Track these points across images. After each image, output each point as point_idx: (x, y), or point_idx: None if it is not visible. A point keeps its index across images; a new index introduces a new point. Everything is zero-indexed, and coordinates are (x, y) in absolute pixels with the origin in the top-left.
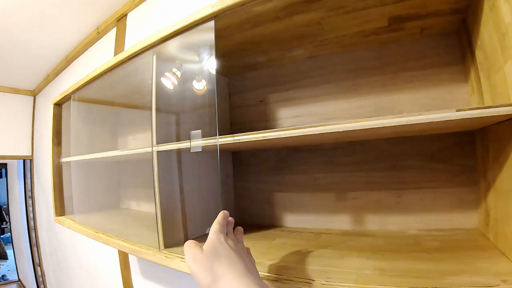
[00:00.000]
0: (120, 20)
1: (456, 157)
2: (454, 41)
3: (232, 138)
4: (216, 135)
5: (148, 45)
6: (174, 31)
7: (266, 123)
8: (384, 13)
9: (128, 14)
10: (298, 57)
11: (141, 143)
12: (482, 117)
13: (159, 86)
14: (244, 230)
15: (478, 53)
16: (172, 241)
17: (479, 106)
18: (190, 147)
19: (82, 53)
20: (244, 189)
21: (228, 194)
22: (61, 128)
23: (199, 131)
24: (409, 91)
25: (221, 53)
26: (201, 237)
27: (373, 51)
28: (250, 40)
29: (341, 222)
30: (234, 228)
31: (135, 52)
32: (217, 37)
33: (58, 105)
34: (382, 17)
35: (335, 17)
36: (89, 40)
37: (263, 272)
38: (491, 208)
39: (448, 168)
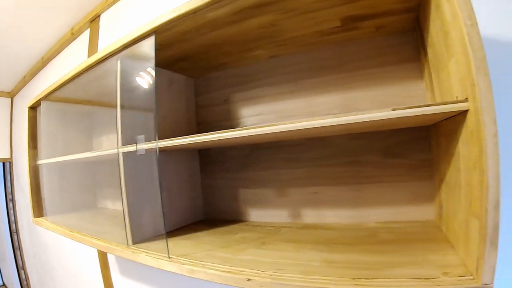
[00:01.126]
0: (94, 21)
1: (412, 151)
2: (410, 39)
3: (170, 142)
4: (156, 139)
5: (108, 53)
6: (119, 47)
7: (230, 122)
8: (336, 13)
9: (101, 15)
10: (260, 56)
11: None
12: (420, 115)
13: (124, 90)
14: (210, 225)
15: (429, 51)
16: (140, 237)
17: (413, 105)
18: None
19: (58, 54)
20: (211, 186)
21: (196, 191)
22: (36, 131)
23: (143, 136)
24: (366, 89)
25: (184, 55)
26: (169, 233)
27: (330, 50)
28: (211, 43)
29: (302, 216)
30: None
31: (99, 59)
32: (178, 41)
33: (33, 108)
34: (335, 18)
35: (289, 19)
36: (64, 41)
37: (217, 265)
38: (443, 201)
39: (405, 163)
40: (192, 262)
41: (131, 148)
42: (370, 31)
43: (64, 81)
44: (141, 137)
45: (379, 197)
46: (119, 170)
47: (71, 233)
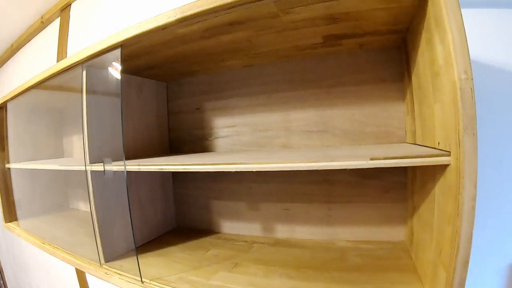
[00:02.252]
0: (64, 10)
1: (387, 174)
2: (394, 56)
3: (137, 167)
4: (123, 161)
5: (74, 62)
6: (85, 57)
7: (202, 131)
8: (317, 32)
9: (72, 4)
10: (234, 66)
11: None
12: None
13: (90, 102)
14: (183, 235)
15: (414, 79)
16: (113, 254)
17: (393, 156)
18: (104, 172)
19: (27, 42)
20: (183, 195)
21: (168, 200)
22: (4, 133)
23: (109, 159)
24: (344, 107)
25: (153, 65)
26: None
27: (310, 63)
28: (181, 54)
29: (273, 231)
30: None
31: (65, 67)
32: (146, 53)
33: (1, 108)
34: (316, 35)
35: (266, 36)
36: (33, 29)
37: None
38: (415, 230)
39: (379, 184)
40: None
41: (99, 167)
42: (352, 47)
43: (31, 85)
44: (108, 159)
45: (351, 216)
46: (88, 188)
47: (43, 245)
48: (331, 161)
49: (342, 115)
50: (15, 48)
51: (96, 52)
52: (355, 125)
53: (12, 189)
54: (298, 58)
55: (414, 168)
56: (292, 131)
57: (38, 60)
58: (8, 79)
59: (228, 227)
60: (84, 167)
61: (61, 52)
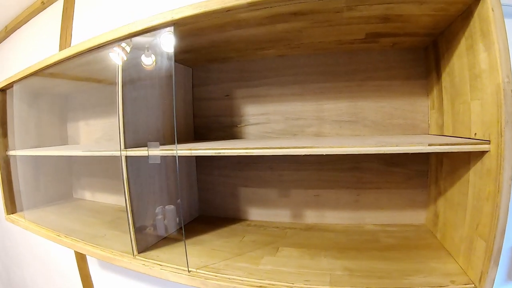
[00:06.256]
0: None
1: (411, 162)
2: (420, 56)
3: (189, 151)
4: (175, 144)
5: (110, 40)
6: (126, 34)
7: (231, 118)
8: (364, 29)
9: None
10: (268, 55)
11: (94, 129)
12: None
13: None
14: (210, 223)
15: (445, 77)
16: (145, 245)
17: (446, 143)
18: (148, 157)
19: (24, 23)
20: (207, 182)
21: (192, 188)
22: (6, 117)
23: (157, 142)
24: (373, 99)
25: (191, 48)
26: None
27: (342, 57)
28: (226, 40)
29: (303, 216)
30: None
31: (95, 45)
32: (191, 35)
33: (2, 91)
34: (361, 32)
35: (318, 28)
36: (32, 10)
37: (245, 278)
38: (440, 212)
39: (403, 171)
40: (216, 276)
41: (140, 152)
42: (385, 45)
43: (49, 64)
44: (155, 143)
45: (377, 202)
46: (122, 175)
47: (58, 237)
48: (396, 146)
49: (373, 107)
50: (9, 30)
51: (143, 29)
52: (384, 117)
53: (12, 180)
54: (332, 51)
55: (440, 156)
56: (325, 120)
57: (37, 44)
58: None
59: (256, 214)
60: (119, 152)
61: (65, 35)
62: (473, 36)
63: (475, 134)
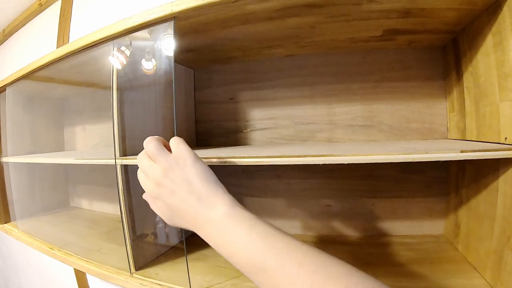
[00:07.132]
0: None
1: (429, 169)
2: (438, 56)
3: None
4: None
5: (104, 38)
6: (121, 31)
7: (236, 123)
8: (382, 24)
9: None
10: (274, 54)
11: (92, 134)
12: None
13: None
14: None
15: (468, 77)
16: (143, 260)
17: (480, 149)
18: None
19: (22, 27)
20: None
21: None
22: None
23: None
24: (390, 102)
25: (193, 47)
26: (168, 252)
27: (356, 57)
28: (232, 37)
29: (314, 228)
30: None
31: (89, 43)
32: (193, 31)
33: None
34: (378, 28)
35: (332, 23)
36: (29, 12)
37: None
38: (462, 223)
39: (420, 179)
40: None
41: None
42: (401, 44)
43: (41, 65)
44: None
45: (393, 211)
46: (117, 185)
47: (52, 251)
48: (426, 153)
49: (389, 110)
50: (7, 34)
51: (138, 25)
52: (401, 121)
53: (7, 187)
54: (345, 50)
55: (462, 162)
56: (337, 125)
57: (35, 47)
58: None
59: None
60: (114, 160)
61: (62, 37)
62: (502, 32)
63: (506, 138)
